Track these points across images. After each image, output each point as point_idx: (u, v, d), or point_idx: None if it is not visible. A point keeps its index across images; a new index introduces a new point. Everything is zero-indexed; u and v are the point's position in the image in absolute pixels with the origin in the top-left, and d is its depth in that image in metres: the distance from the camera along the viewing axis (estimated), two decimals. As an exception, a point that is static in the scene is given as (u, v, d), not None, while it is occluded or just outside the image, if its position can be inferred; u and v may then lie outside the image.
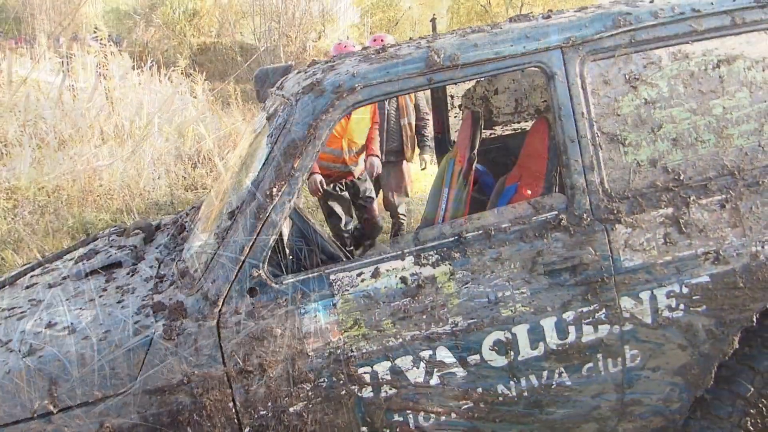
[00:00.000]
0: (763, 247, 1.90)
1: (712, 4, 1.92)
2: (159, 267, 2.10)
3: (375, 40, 4.58)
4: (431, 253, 1.80)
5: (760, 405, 2.00)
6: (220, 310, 1.72)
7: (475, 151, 2.98)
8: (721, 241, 1.88)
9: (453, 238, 1.83)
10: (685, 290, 1.88)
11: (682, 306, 1.89)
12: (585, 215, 1.85)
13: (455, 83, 1.91)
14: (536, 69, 1.87)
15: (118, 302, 1.88)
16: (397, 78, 1.78)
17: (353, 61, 1.88)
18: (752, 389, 2.00)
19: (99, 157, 7.95)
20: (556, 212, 1.86)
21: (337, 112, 1.77)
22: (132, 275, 2.11)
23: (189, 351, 1.68)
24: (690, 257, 1.87)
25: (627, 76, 1.88)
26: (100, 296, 1.97)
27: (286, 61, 24.89)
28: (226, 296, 1.72)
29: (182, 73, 12.06)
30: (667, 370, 1.95)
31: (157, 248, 2.33)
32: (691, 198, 1.88)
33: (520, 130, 3.55)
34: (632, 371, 1.93)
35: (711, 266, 1.88)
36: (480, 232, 1.83)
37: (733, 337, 1.94)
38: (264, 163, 1.79)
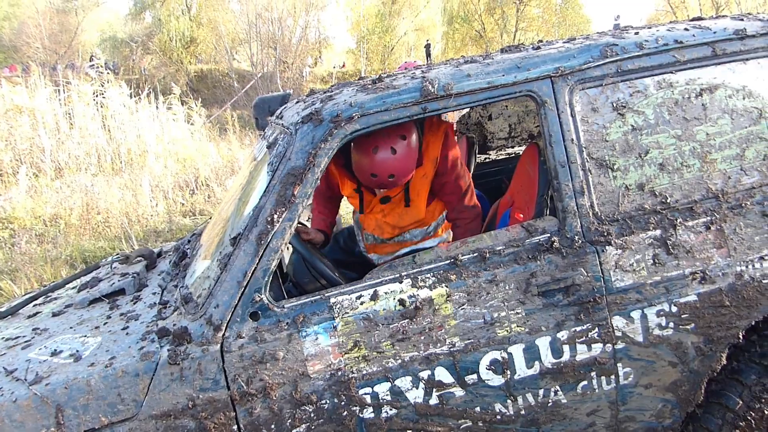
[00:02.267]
0: (747, 267, 1.97)
1: (693, 36, 2.02)
2: (162, 294, 2.15)
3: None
4: (428, 275, 1.86)
5: (749, 417, 2.05)
6: (224, 334, 1.76)
7: (470, 176, 3.06)
8: (707, 261, 1.95)
9: (449, 261, 1.88)
10: (674, 309, 1.94)
11: (671, 324, 1.95)
12: (576, 237, 1.91)
13: (449, 112, 1.99)
14: (527, 98, 1.94)
15: (123, 329, 1.92)
16: (393, 107, 1.86)
17: (351, 91, 1.96)
18: (741, 402, 2.05)
19: (96, 185, 8.00)
20: (549, 235, 1.92)
21: (335, 141, 1.84)
22: (135, 302, 2.15)
23: (193, 375, 1.72)
24: (678, 277, 1.94)
25: (614, 104, 1.96)
26: (105, 323, 2.01)
27: (282, 88, 25.17)
28: (229, 321, 1.77)
29: (179, 100, 12.19)
30: (659, 387, 2.00)
31: (159, 275, 2.38)
32: (678, 220, 1.95)
33: (513, 155, 3.64)
34: (626, 388, 1.98)
35: (698, 286, 1.95)
36: (475, 254, 1.89)
37: (721, 354, 2.00)
38: (265, 191, 1.85)
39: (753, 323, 1.99)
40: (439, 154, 2.38)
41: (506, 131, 3.60)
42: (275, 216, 1.80)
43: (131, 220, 7.22)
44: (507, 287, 1.87)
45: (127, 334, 1.88)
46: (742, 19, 2.13)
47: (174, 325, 1.84)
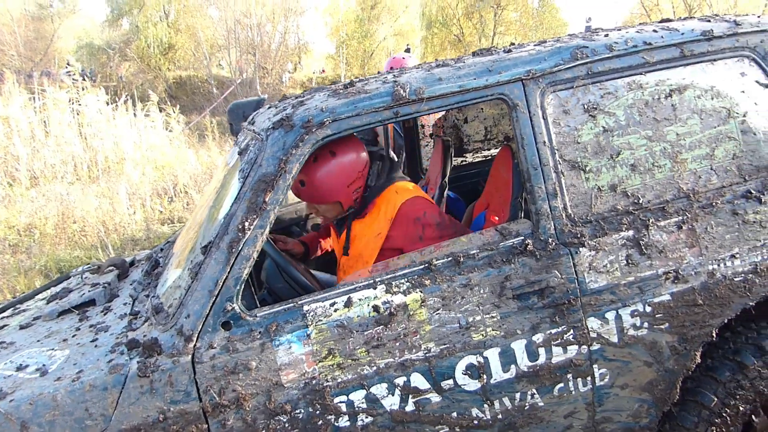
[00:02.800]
0: (719, 265, 1.98)
1: (662, 37, 2.03)
2: (133, 304, 2.11)
3: (392, 68, 4.36)
4: (402, 281, 1.84)
5: (724, 414, 2.06)
6: (195, 345, 1.73)
7: (447, 179, 3.06)
8: (679, 261, 1.96)
9: (423, 266, 1.87)
10: (648, 309, 1.95)
11: (646, 324, 1.95)
12: (550, 240, 1.91)
13: (421, 116, 1.98)
14: (499, 101, 1.94)
15: (92, 341, 1.88)
16: (364, 112, 1.84)
17: (322, 96, 1.94)
18: (716, 399, 2.06)
19: (72, 194, 7.88)
20: (523, 237, 1.92)
21: (306, 147, 1.82)
22: (106, 313, 2.11)
23: (164, 388, 1.68)
24: (651, 277, 1.94)
25: (585, 106, 1.97)
26: (74, 336, 1.97)
27: (262, 93, 25.07)
28: (200, 331, 1.74)
29: (158, 107, 12.07)
30: (635, 387, 2.00)
31: (131, 285, 2.33)
32: (650, 220, 1.96)
33: (490, 157, 3.65)
34: (602, 389, 1.98)
35: (671, 285, 1.95)
36: (449, 259, 1.88)
37: (696, 353, 2.01)
38: (236, 198, 1.83)
39: (726, 321, 2.01)
40: (386, 231, 2.16)
41: (482, 134, 3.61)
42: (246, 223, 1.77)
43: (108, 229, 7.12)
44: (482, 291, 1.87)
45: (96, 346, 1.84)
46: (709, 21, 2.15)
47: (144, 336, 1.80)
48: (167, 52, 26.12)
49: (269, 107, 2.18)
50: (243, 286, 1.79)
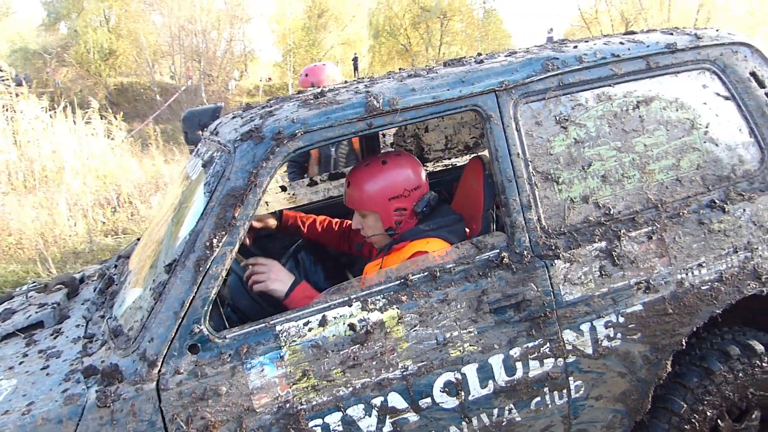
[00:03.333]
0: (687, 274, 2.01)
1: (629, 49, 2.05)
2: (87, 326, 1.97)
3: (308, 75, 4.27)
4: (378, 297, 1.79)
5: (693, 420, 2.08)
6: (160, 370, 1.62)
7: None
8: (650, 270, 1.98)
9: (399, 282, 1.82)
10: (621, 320, 1.95)
11: (619, 335, 1.96)
12: (525, 252, 1.89)
13: (395, 127, 1.93)
14: (472, 112, 1.92)
15: (42, 368, 1.74)
16: (337, 123, 1.78)
17: (292, 106, 1.87)
18: (685, 405, 2.09)
19: (7, 205, 7.47)
20: (498, 251, 1.89)
21: (277, 159, 1.74)
22: (56, 337, 1.96)
23: (126, 418, 1.56)
24: (624, 288, 1.95)
25: (557, 118, 1.97)
26: (21, 363, 1.82)
27: (207, 101, 24.54)
28: (165, 355, 1.63)
29: (98, 114, 11.62)
30: (608, 398, 2.01)
31: (83, 305, 2.19)
32: (622, 231, 1.97)
33: (450, 166, 3.63)
34: (577, 402, 1.97)
35: (643, 295, 1.97)
36: (425, 273, 1.84)
37: (666, 361, 2.03)
38: (203, 213, 1.73)
39: (694, 329, 2.04)
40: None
41: (443, 143, 3.59)
42: (214, 240, 1.68)
43: (47, 241, 6.76)
44: (459, 306, 1.83)
45: (47, 374, 1.70)
46: (672, 33, 2.19)
47: (102, 362, 1.68)
48: (108, 58, 25.29)
49: (233, 117, 2.09)
50: (211, 307, 1.69)
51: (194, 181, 2.14)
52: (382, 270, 2.06)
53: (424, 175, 2.16)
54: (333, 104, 1.82)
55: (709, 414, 2.11)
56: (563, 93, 1.98)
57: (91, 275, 2.60)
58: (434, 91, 1.88)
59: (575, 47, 2.08)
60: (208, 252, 1.67)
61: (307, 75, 4.29)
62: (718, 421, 2.16)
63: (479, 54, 2.28)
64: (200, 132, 3.13)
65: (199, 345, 1.66)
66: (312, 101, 1.87)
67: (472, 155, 3.72)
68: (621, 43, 2.09)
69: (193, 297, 1.66)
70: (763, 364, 2.13)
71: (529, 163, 1.93)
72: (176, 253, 1.73)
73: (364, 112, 1.80)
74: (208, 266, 1.67)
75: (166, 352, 1.63)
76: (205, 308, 1.67)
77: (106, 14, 26.25)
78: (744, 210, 2.06)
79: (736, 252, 2.05)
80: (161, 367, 1.62)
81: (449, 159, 3.63)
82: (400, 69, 2.58)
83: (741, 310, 2.12)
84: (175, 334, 1.64)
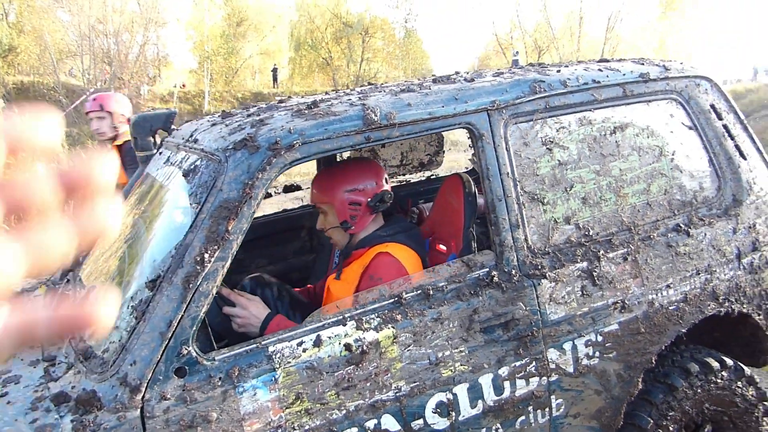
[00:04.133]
0: (657, 294, 2.10)
1: (607, 76, 2.13)
2: (43, 347, 1.78)
3: (95, 100, 3.74)
4: (373, 316, 1.73)
5: (658, 436, 2.17)
6: (144, 396, 1.48)
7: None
8: (626, 291, 2.04)
9: (393, 300, 1.77)
10: (599, 338, 2.00)
11: (597, 354, 2.01)
12: (514, 272, 1.90)
13: (391, 142, 1.90)
14: (465, 129, 1.92)
15: (1, 396, 1.55)
16: (336, 135, 1.72)
17: (285, 116, 1.79)
18: (651, 421, 2.17)
19: None
20: (488, 269, 1.89)
21: (274, 170, 1.65)
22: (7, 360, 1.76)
23: (107, 449, 1.42)
24: (603, 307, 2.01)
25: (543, 139, 2.00)
26: (-31, 389, 1.61)
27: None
28: (150, 380, 1.49)
29: None
30: (585, 416, 2.05)
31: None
32: (600, 252, 2.02)
33: (405, 182, 3.64)
34: (557, 420, 1.99)
35: (619, 315, 2.03)
36: (419, 292, 1.80)
37: (638, 379, 2.10)
38: (192, 226, 1.61)
39: (663, 348, 2.12)
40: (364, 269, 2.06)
41: (398, 159, 3.58)
42: (206, 255, 1.56)
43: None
44: (451, 325, 1.80)
45: (8, 402, 1.52)
46: (643, 63, 2.30)
47: (73, 387, 1.52)
48: (7, 55, 23.55)
49: (213, 124, 1.97)
50: (199, 326, 1.57)
51: (165, 188, 2.01)
52: (343, 281, 2.08)
53: (385, 178, 2.19)
54: (329, 115, 1.76)
55: (671, 429, 2.20)
56: (549, 115, 2.02)
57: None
58: (429, 107, 1.86)
59: (558, 71, 2.13)
60: (198, 267, 1.56)
61: (95, 99, 3.81)
62: (677, 435, 2.26)
63: (466, 72, 2.29)
64: (151, 138, 2.95)
65: (186, 368, 1.53)
66: (306, 111, 1.80)
67: (430, 174, 3.75)
68: (599, 70, 2.17)
69: (182, 316, 1.53)
70: (718, 381, 2.25)
71: (518, 183, 1.95)
72: (161, 269, 1.60)
73: (362, 125, 1.76)
74: (198, 283, 1.55)
75: (150, 376, 1.49)
76: (194, 328, 1.55)
77: (5, 8, 24.48)
78: (705, 234, 2.19)
79: (699, 274, 2.16)
80: (145, 392, 1.48)
81: (404, 175, 3.63)
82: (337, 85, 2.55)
83: (705, 330, 2.23)
84: (162, 356, 1.51)
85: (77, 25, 24.08)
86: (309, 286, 2.58)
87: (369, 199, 2.11)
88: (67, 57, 25.99)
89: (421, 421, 1.76)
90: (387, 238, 2.13)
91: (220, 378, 1.55)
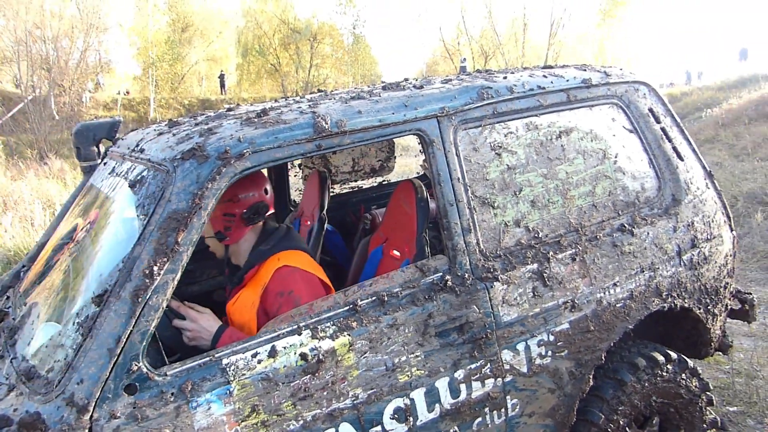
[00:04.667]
0: (605, 293, 2.16)
1: (552, 82, 2.19)
2: (-17, 369, 1.70)
3: None
4: (328, 324, 1.72)
5: (609, 429, 2.23)
6: (92, 416, 1.43)
7: (325, 211, 2.98)
8: (575, 290, 2.10)
9: (348, 307, 1.77)
10: (551, 338, 2.05)
11: (549, 353, 2.05)
12: (467, 275, 1.93)
13: (342, 149, 1.89)
14: (416, 136, 1.93)
15: (-64, 422, 1.47)
16: (286, 144, 1.71)
17: (234, 124, 1.76)
18: (602, 416, 2.23)
19: None
20: (441, 274, 1.91)
21: (224, 180, 1.63)
22: (-57, 383, 1.67)
23: (53, 473, 1.36)
24: (553, 307, 2.05)
25: (492, 144, 2.04)
26: None
27: (58, 113, 22.52)
28: (98, 398, 1.44)
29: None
30: (540, 414, 2.09)
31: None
32: (550, 253, 2.07)
33: (357, 188, 3.64)
34: (513, 420, 2.03)
35: (569, 314, 2.08)
36: (374, 298, 1.80)
37: (589, 376, 2.16)
38: (139, 238, 1.57)
39: (611, 344, 2.19)
40: (258, 300, 1.97)
41: (350, 165, 3.60)
42: (155, 268, 1.52)
43: None
44: (407, 330, 1.81)
45: (-56, 429, 1.44)
46: (585, 69, 2.38)
47: (16, 410, 1.45)
48: (-64, 61, 22.43)
49: (159, 133, 1.93)
50: (150, 341, 1.53)
51: (108, 200, 1.95)
52: (242, 305, 1.99)
53: (266, 189, 2.08)
54: (279, 123, 1.75)
55: (621, 423, 2.26)
56: (497, 121, 2.06)
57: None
58: (380, 114, 1.87)
59: (505, 78, 2.18)
60: (147, 281, 1.52)
61: None
62: (626, 429, 2.33)
63: (415, 79, 2.31)
64: (95, 148, 2.86)
65: (137, 384, 1.49)
66: (255, 120, 1.78)
67: (381, 179, 3.77)
68: (544, 76, 2.23)
69: (131, 331, 1.49)
70: (664, 374, 2.33)
71: (468, 188, 1.98)
72: (108, 283, 1.55)
73: (313, 132, 1.75)
74: (147, 296, 1.51)
75: (99, 394, 1.44)
76: (144, 343, 1.51)
77: (-66, 12, 23.29)
78: (648, 233, 2.27)
79: (643, 272, 2.24)
80: (93, 411, 1.43)
81: (356, 181, 3.64)
82: (318, 90, 2.55)
83: (650, 325, 2.31)
84: (110, 373, 1.46)
85: (13, 30, 23.10)
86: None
87: (243, 211, 2.01)
88: (2, 63, 24.92)
89: (379, 428, 1.76)
90: (273, 250, 2.04)
91: (172, 393, 1.51)
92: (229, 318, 2.08)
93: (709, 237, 2.40)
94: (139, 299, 1.50)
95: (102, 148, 2.77)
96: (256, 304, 1.95)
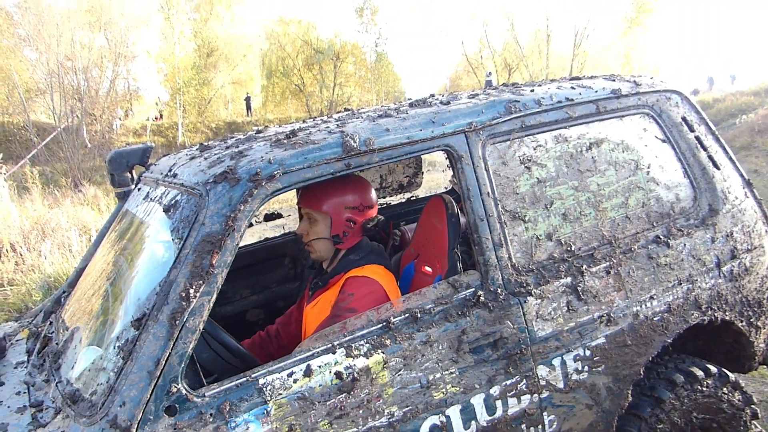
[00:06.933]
0: (641, 306, 2.12)
1: (580, 94, 2.18)
2: (29, 392, 1.74)
3: None
4: (362, 342, 1.72)
5: (648, 449, 2.17)
6: (134, 437, 1.45)
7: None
8: (610, 304, 2.06)
9: (381, 325, 1.77)
10: (587, 353, 2.02)
11: (586, 368, 2.02)
12: (500, 290, 1.92)
13: (371, 167, 1.90)
14: (444, 152, 1.94)
15: (-15, 446, 1.51)
16: (316, 164, 1.73)
17: (263, 146, 1.79)
18: (641, 435, 2.17)
19: None
20: (474, 289, 1.90)
21: (255, 202, 1.65)
22: (-9, 407, 1.71)
23: (97, 495, 1.38)
24: (589, 321, 2.02)
25: (521, 158, 2.03)
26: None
27: (90, 141, 23.09)
28: (140, 420, 1.46)
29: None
30: (578, 431, 2.05)
31: (16, 368, 1.93)
32: (584, 267, 2.05)
33: (385, 205, 3.64)
34: (551, 437, 1.99)
35: (605, 328, 2.05)
36: (407, 315, 1.80)
37: (627, 391, 2.11)
38: (175, 262, 1.59)
39: (650, 359, 2.14)
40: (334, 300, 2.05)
41: (378, 182, 3.60)
42: (191, 290, 1.55)
43: None
44: (440, 347, 1.80)
45: (-7, 453, 1.47)
46: (614, 80, 2.36)
47: (61, 433, 1.48)
48: (-26, 96, 23.28)
49: (191, 158, 1.97)
50: (188, 363, 1.55)
51: (143, 224, 1.99)
52: (320, 309, 2.07)
53: (376, 200, 2.21)
54: (309, 144, 1.77)
55: (662, 442, 2.21)
56: (526, 134, 2.05)
57: (11, 333, 2.31)
58: (408, 132, 1.88)
59: (532, 90, 2.17)
60: (184, 303, 1.54)
61: None
62: (668, 446, 2.27)
63: (440, 94, 2.32)
64: (128, 174, 2.92)
65: (177, 406, 1.51)
66: (285, 141, 1.81)
67: (410, 195, 3.76)
68: (572, 87, 2.22)
69: (170, 354, 1.51)
70: (704, 389, 2.27)
71: (498, 202, 1.97)
72: (146, 307, 1.57)
73: (342, 152, 1.77)
74: (184, 319, 1.53)
75: (140, 416, 1.46)
76: (182, 365, 1.53)
77: (-29, 50, 24.18)
78: (684, 244, 2.22)
79: (681, 284, 2.20)
80: (135, 433, 1.45)
81: (384, 198, 3.64)
82: (346, 109, 2.57)
83: (690, 339, 2.25)
84: (151, 395, 1.48)
85: (45, 63, 23.85)
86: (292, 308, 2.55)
87: (365, 220, 2.12)
88: (36, 95, 25.71)
89: (415, 446, 1.75)
90: (360, 262, 2.13)
91: (211, 414, 1.53)
92: (304, 320, 2.19)
93: (749, 247, 2.34)
94: (177, 322, 1.53)
95: (135, 174, 2.84)
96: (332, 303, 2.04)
